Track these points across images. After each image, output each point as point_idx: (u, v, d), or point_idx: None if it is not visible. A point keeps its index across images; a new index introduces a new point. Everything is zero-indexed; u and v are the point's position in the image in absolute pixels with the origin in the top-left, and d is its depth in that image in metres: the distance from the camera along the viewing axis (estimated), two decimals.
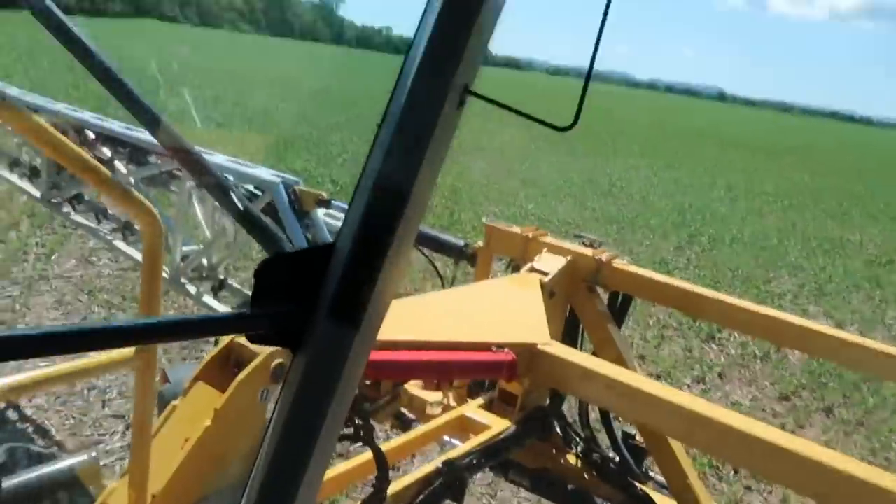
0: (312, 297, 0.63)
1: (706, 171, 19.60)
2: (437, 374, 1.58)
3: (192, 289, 3.55)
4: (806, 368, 5.80)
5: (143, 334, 0.54)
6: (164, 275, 3.57)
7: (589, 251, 2.24)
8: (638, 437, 2.31)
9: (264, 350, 1.31)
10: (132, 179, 3.56)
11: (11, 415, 3.92)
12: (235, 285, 3.72)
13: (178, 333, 0.56)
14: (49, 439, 3.77)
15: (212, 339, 5.31)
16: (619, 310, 2.30)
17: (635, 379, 1.53)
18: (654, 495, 2.07)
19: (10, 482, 1.33)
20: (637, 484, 2.10)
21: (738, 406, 5.14)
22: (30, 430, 3.82)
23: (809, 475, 1.34)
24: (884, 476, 1.25)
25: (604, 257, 2.21)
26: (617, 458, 2.31)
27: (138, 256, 3.82)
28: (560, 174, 14.55)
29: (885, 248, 11.73)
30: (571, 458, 2.25)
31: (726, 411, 1.50)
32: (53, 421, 3.92)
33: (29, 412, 3.97)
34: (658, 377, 5.37)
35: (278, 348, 1.31)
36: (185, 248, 3.57)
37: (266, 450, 0.64)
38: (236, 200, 0.69)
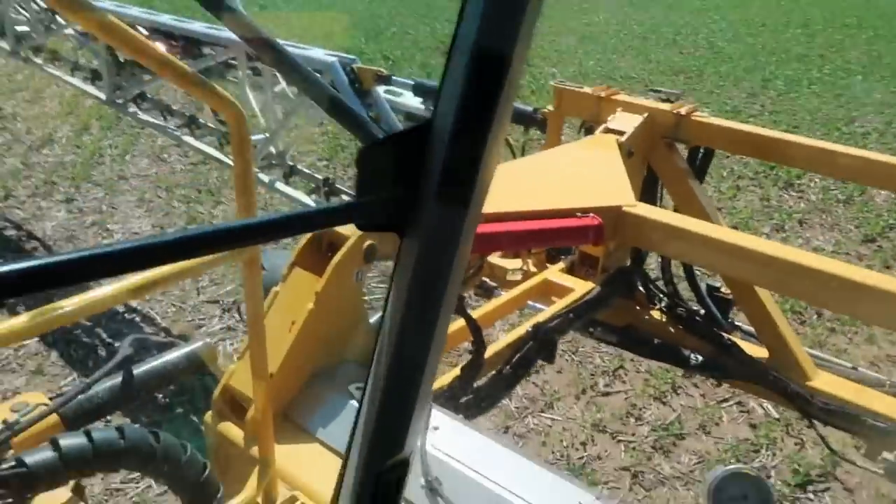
0: (415, 180, 0.61)
1: (779, 7, 18.01)
2: (526, 244, 1.59)
3: (264, 178, 3.62)
4: (894, 208, 5.55)
5: (255, 233, 0.55)
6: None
7: (667, 106, 2.14)
8: (723, 289, 2.30)
9: (355, 233, 1.34)
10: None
11: (119, 308, 4.23)
12: (305, 170, 3.77)
13: (290, 228, 0.56)
14: (156, 326, 4.08)
15: None
16: (700, 164, 2.22)
17: (723, 232, 1.50)
18: (743, 344, 2.08)
19: (140, 369, 1.46)
20: (724, 334, 2.12)
21: (820, 251, 5.02)
22: (138, 320, 4.13)
23: None
24: None
25: (683, 111, 2.11)
26: (702, 311, 2.31)
27: (207, 149, 3.91)
28: (619, 26, 13.68)
29: None
30: (656, 314, 2.27)
31: (816, 256, 1.47)
32: (157, 310, 4.21)
33: (134, 304, 4.27)
34: (735, 228, 5.26)
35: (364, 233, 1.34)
36: (252, 138, 3.61)
37: (388, 331, 0.66)
38: (324, 90, 0.68)
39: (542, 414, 3.59)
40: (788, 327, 2.07)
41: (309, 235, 1.37)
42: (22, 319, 0.99)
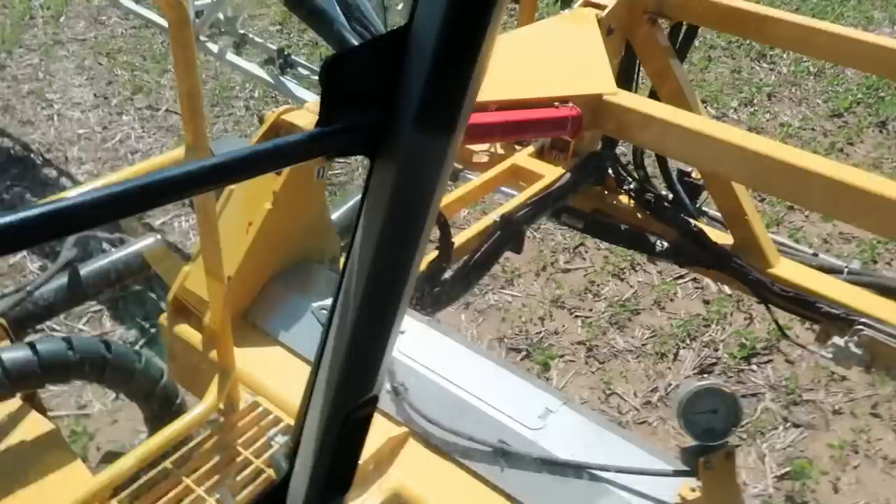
0: (391, 100, 0.52)
1: None
2: (499, 137, 1.50)
3: (213, 47, 3.36)
4: (864, 83, 5.50)
5: (211, 177, 0.46)
6: None
7: None
8: (694, 174, 2.26)
9: (313, 124, 1.23)
10: None
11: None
12: (257, 39, 3.51)
13: (249, 169, 0.48)
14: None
15: (242, 99, 5.17)
16: (682, 43, 2.10)
17: (706, 125, 1.43)
18: (709, 231, 2.08)
19: (86, 269, 1.37)
20: (691, 220, 2.11)
21: (787, 126, 5.00)
22: None
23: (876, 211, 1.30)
24: None
25: None
26: (671, 196, 2.29)
27: (149, 14, 3.58)
28: None
29: None
30: (624, 199, 2.24)
31: (796, 151, 1.42)
32: None
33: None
34: (703, 102, 5.17)
35: None
36: (197, 3, 3.31)
37: (357, 266, 0.59)
38: None
39: (503, 290, 3.64)
40: (756, 215, 2.07)
41: (264, 128, 1.25)
42: None
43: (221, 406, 1.15)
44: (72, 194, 0.43)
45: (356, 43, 0.67)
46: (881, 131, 5.02)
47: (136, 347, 1.16)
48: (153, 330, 2.93)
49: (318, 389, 0.69)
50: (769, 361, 3.35)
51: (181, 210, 3.88)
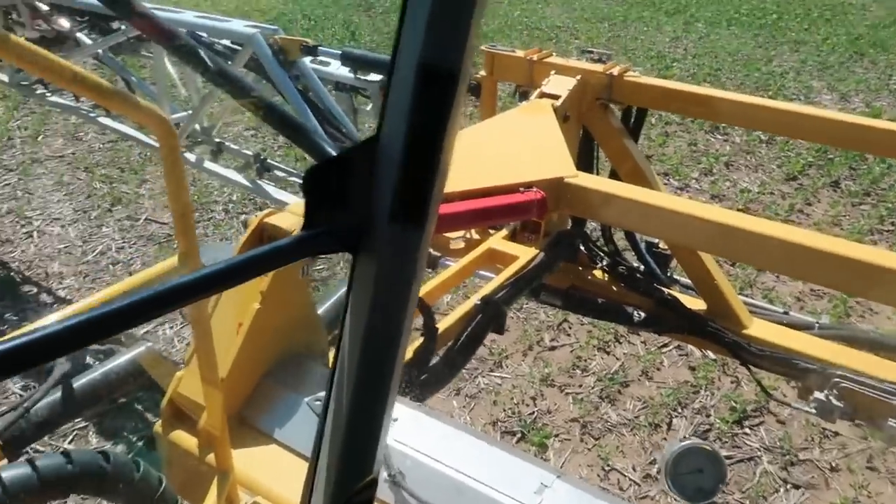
0: (366, 201, 0.59)
1: None
2: (470, 224, 1.58)
3: (191, 157, 3.48)
4: (813, 147, 5.79)
5: (204, 287, 0.52)
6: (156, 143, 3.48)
7: (599, 67, 2.14)
8: (661, 245, 2.35)
9: (297, 225, 1.29)
10: (100, 51, 3.35)
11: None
12: (233, 146, 3.64)
13: (246, 273, 0.54)
14: None
15: (221, 203, 5.24)
16: (634, 124, 2.24)
17: (665, 199, 1.53)
18: (682, 297, 2.15)
19: (79, 382, 1.39)
20: (664, 289, 2.18)
21: (748, 192, 5.21)
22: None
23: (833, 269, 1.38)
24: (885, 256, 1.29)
25: (615, 71, 2.11)
26: (642, 268, 2.37)
27: (125, 129, 3.71)
28: None
29: (891, 7, 11.18)
30: (598, 273, 2.31)
31: (755, 219, 1.51)
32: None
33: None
34: (665, 175, 5.40)
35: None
36: (172, 116, 3.45)
37: (347, 354, 0.65)
38: (271, 106, 0.64)
39: (492, 373, 3.65)
40: (724, 279, 2.15)
41: (248, 233, 1.32)
42: None
43: None
44: (70, 311, 0.48)
45: (330, 149, 0.74)
46: (835, 190, 5.25)
47: (134, 458, 1.17)
48: (139, 443, 2.89)
49: (319, 478, 0.72)
50: (761, 423, 3.36)
51: (164, 318, 3.89)
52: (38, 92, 3.80)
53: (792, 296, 4.12)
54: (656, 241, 2.37)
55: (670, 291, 2.18)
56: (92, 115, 3.71)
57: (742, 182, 5.43)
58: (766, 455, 3.18)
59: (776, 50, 8.71)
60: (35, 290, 4.24)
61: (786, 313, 2.29)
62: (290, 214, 1.36)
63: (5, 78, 3.82)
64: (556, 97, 2.07)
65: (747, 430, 3.32)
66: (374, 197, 0.59)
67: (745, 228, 1.42)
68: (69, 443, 3.09)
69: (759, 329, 2.08)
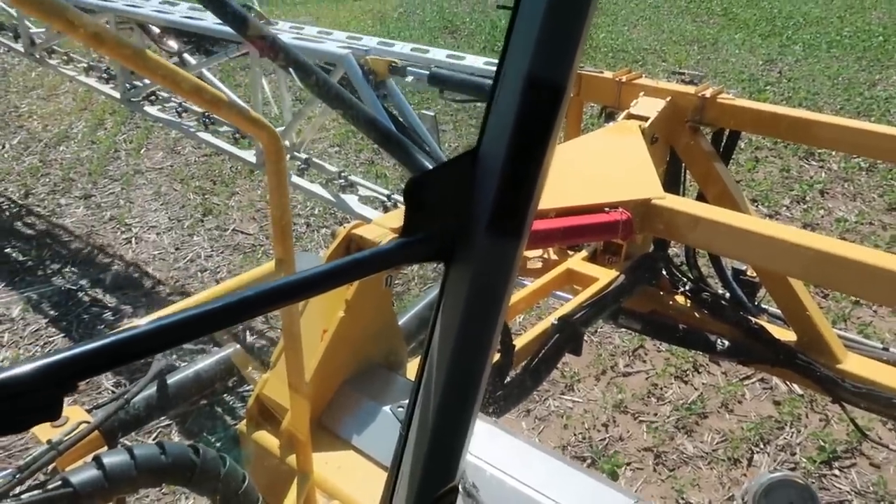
0: (463, 211, 0.60)
1: None
2: (554, 242, 1.57)
3: None
4: None
5: (302, 289, 0.54)
6: (252, 158, 3.64)
7: (690, 89, 2.10)
8: (749, 272, 2.27)
9: (383, 237, 1.33)
10: (205, 70, 3.55)
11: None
12: (319, 162, 3.76)
13: (341, 278, 0.56)
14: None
15: (303, 216, 5.41)
16: (725, 147, 2.18)
17: (755, 223, 1.48)
18: (770, 328, 2.06)
19: (173, 379, 1.47)
20: (751, 318, 2.10)
21: (844, 221, 4.96)
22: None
23: None
24: None
25: (707, 93, 2.07)
26: (728, 295, 2.29)
27: (222, 144, 3.90)
28: None
29: None
30: (680, 299, 2.25)
31: (848, 244, 1.44)
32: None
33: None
34: (754, 201, 5.21)
35: (395, 235, 1.33)
36: None
37: (436, 361, 0.66)
38: (372, 120, 0.67)
39: (563, 396, 3.60)
40: (817, 310, 2.05)
41: (337, 242, 1.36)
42: None
43: None
44: (174, 309, 0.50)
45: (426, 162, 0.76)
46: None
47: (221, 453, 1.23)
48: (218, 444, 3.00)
49: (401, 483, 0.73)
50: (853, 465, 3.16)
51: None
52: (146, 108, 4.06)
53: (892, 332, 3.87)
54: (744, 267, 2.29)
55: (757, 320, 2.10)
56: (191, 129, 3.93)
57: (838, 211, 5.17)
58: (857, 499, 2.99)
59: (881, 74, 8.27)
60: (127, 292, 4.50)
61: (885, 349, 2.16)
62: (376, 227, 1.39)
63: (117, 95, 4.10)
64: (644, 118, 2.05)
65: (836, 472, 3.13)
66: (472, 207, 0.60)
67: (845, 256, 1.35)
68: (152, 440, 3.24)
69: (854, 364, 1.97)
